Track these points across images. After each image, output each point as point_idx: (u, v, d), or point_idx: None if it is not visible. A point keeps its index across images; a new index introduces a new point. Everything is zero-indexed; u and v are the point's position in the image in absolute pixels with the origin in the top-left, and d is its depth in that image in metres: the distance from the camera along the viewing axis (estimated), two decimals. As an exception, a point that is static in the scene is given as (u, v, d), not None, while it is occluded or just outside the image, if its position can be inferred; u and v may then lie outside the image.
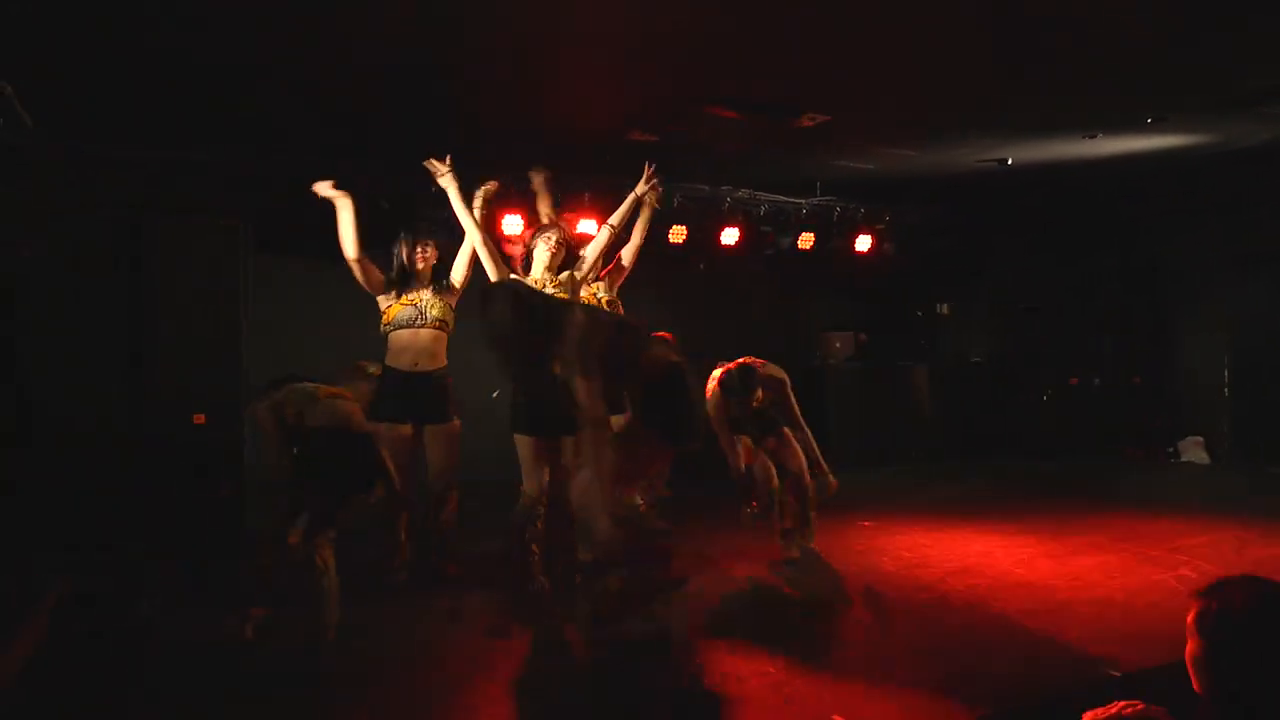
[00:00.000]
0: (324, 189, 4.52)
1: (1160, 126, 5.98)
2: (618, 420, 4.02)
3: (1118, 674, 3.14)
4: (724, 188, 7.40)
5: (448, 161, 4.39)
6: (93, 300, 5.31)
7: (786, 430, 4.90)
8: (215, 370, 5.51)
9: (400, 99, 5.15)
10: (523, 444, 4.23)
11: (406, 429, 4.45)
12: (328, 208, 4.54)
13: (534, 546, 4.23)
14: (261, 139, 5.80)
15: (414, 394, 4.47)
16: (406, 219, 6.13)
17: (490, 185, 4.61)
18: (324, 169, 6.10)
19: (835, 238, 7.93)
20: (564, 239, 4.53)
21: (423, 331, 4.51)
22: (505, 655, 3.51)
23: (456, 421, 4.58)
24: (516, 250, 4.64)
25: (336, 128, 5.68)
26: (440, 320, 4.56)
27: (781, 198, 7.61)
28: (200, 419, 5.41)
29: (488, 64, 4.62)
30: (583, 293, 4.62)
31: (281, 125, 5.58)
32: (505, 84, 4.93)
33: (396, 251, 4.64)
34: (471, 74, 4.76)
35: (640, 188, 4.62)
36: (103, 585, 3.96)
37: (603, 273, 4.87)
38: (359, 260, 4.52)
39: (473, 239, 4.45)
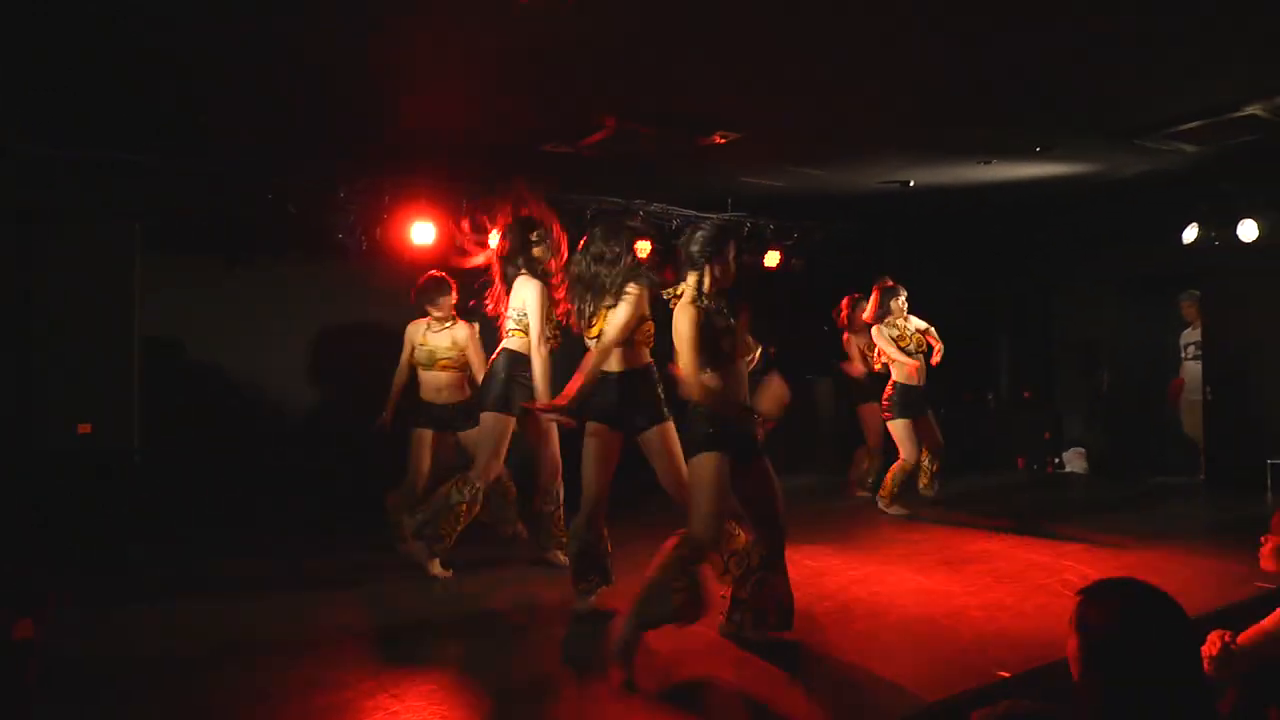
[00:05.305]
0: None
1: (1048, 155, 6.32)
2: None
3: (1007, 675, 3.29)
4: (637, 201, 7.47)
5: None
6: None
7: None
8: (106, 377, 5.28)
9: (307, 102, 5.03)
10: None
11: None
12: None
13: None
14: (159, 136, 5.58)
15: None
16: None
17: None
18: (224, 168, 5.97)
19: (745, 253, 8.09)
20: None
21: None
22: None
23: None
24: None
25: (241, 127, 5.51)
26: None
27: (693, 212, 7.73)
28: (86, 429, 5.18)
29: (397, 72, 4.57)
30: None
31: (181, 122, 5.38)
32: (415, 93, 4.88)
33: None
34: (381, 82, 4.70)
35: None
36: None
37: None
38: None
39: None
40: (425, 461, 5.46)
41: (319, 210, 6.27)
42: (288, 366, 6.75)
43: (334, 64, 4.46)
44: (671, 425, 4.01)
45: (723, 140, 5.60)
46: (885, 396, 6.73)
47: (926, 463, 6.80)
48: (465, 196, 6.56)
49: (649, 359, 4.11)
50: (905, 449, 6.63)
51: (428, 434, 5.47)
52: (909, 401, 6.60)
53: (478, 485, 4.62)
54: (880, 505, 6.68)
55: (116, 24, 3.88)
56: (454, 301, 5.50)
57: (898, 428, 6.64)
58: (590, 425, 4.04)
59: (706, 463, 3.39)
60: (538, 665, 3.60)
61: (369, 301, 6.85)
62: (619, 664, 3.21)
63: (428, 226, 6.51)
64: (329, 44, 4.17)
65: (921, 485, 6.83)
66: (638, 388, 4.01)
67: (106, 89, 4.69)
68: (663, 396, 4.05)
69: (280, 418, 6.72)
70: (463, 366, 5.50)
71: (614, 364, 4.00)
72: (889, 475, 6.71)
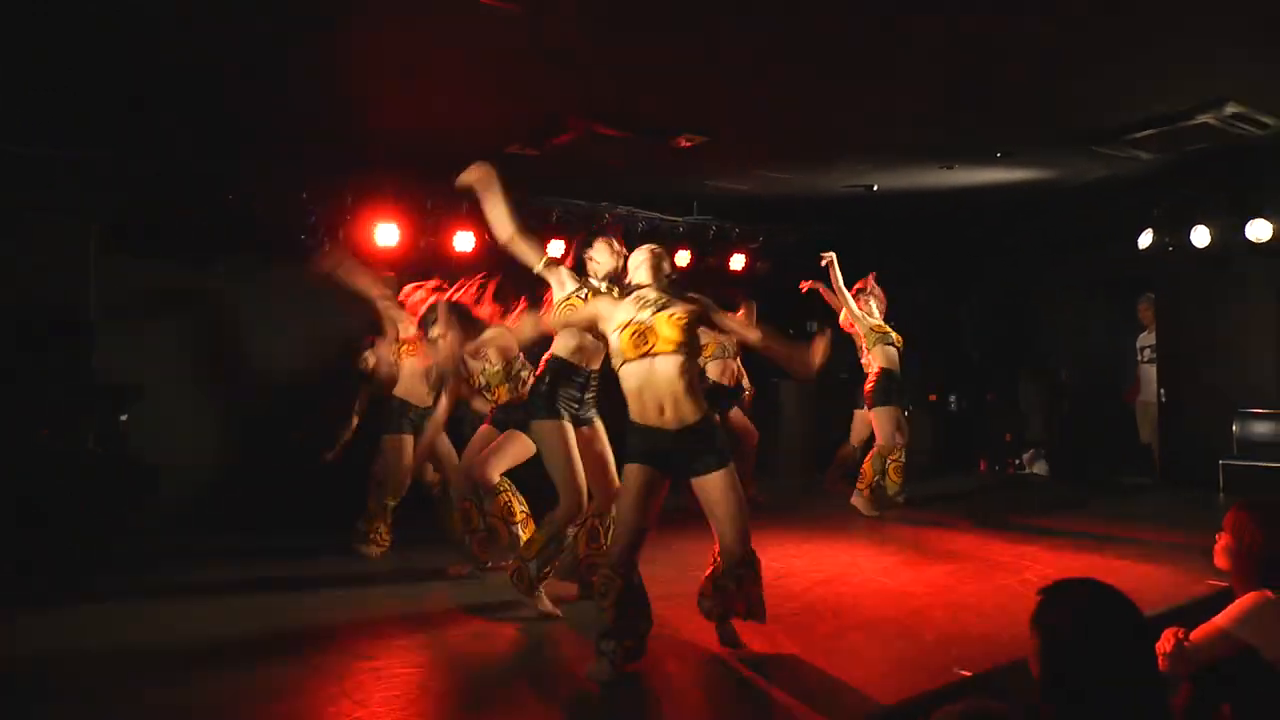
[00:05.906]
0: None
1: (1009, 161, 6.42)
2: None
3: (968, 674, 3.33)
4: (603, 204, 7.47)
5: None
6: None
7: None
8: (63, 380, 5.18)
9: (269, 103, 4.97)
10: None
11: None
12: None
13: None
14: (115, 136, 5.47)
15: None
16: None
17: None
18: (183, 169, 5.87)
19: (711, 256, 8.13)
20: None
21: None
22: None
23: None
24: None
25: (201, 128, 5.42)
26: None
27: (659, 215, 7.75)
28: (43, 432, 5.09)
29: (362, 72, 4.53)
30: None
31: (138, 123, 5.28)
32: (381, 93, 4.84)
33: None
34: (345, 81, 4.65)
35: None
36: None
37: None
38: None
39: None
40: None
41: (282, 211, 6.19)
42: (249, 367, 6.65)
43: (296, 65, 4.41)
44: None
45: (689, 144, 5.62)
46: (867, 391, 6.81)
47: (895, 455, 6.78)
48: (429, 198, 6.52)
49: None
50: (883, 435, 6.68)
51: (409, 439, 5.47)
52: (889, 388, 6.71)
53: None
54: (855, 498, 6.75)
55: (84, 22, 3.81)
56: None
57: (880, 414, 6.70)
58: (559, 425, 4.05)
59: (631, 474, 3.41)
60: (503, 670, 3.58)
61: (331, 303, 6.76)
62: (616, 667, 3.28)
63: (391, 228, 6.47)
64: (290, 45, 4.12)
65: (891, 485, 6.80)
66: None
67: (64, 87, 4.60)
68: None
69: (241, 419, 6.62)
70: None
71: (589, 364, 4.15)
72: (866, 463, 6.77)
